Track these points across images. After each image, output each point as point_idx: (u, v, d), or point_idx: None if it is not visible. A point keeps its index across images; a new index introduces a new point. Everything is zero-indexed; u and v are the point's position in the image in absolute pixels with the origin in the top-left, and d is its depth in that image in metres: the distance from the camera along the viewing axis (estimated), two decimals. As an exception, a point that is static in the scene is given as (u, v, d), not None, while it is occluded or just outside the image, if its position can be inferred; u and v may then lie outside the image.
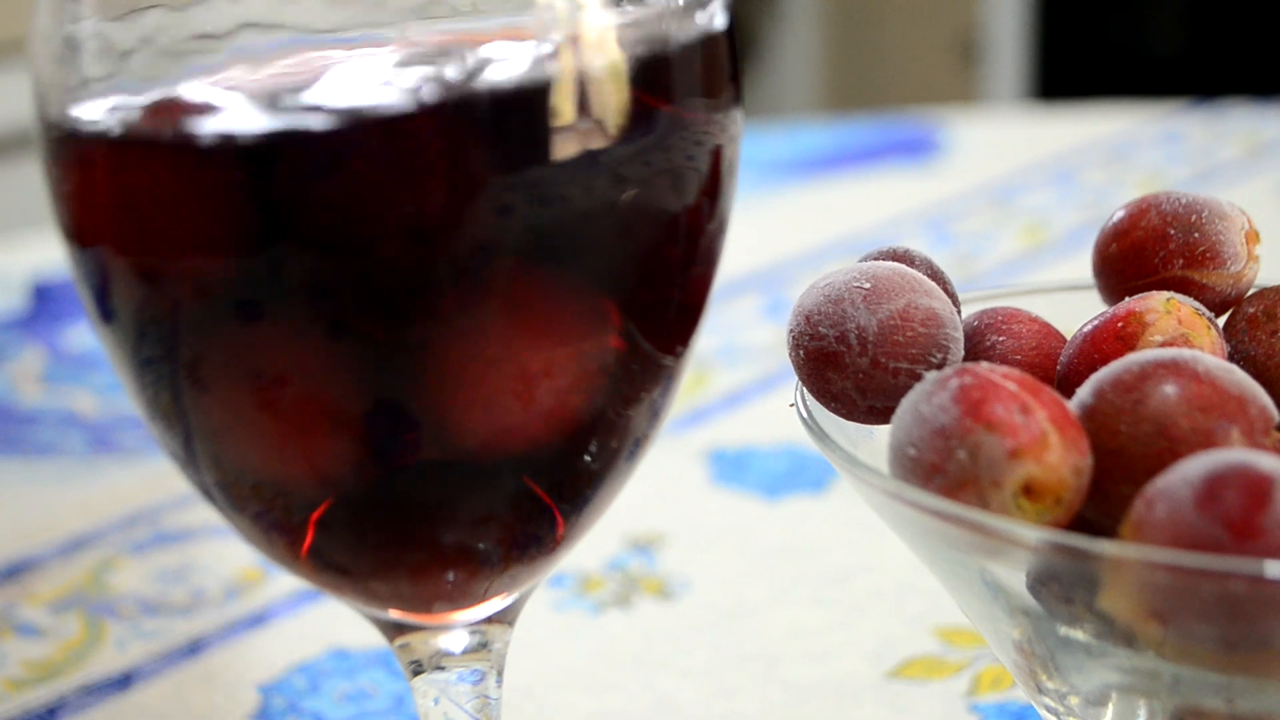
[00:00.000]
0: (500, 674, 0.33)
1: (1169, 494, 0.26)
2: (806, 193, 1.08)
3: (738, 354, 0.77)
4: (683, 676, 0.49)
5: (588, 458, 0.29)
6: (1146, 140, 1.16)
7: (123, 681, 0.51)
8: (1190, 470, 0.26)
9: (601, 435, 0.29)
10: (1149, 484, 0.27)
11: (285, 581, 0.57)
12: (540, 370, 0.28)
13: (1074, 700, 0.33)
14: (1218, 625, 0.26)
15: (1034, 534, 0.27)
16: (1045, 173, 1.08)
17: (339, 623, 0.53)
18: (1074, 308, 0.37)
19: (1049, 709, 0.33)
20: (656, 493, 0.62)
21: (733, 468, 0.64)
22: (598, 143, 0.27)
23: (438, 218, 0.27)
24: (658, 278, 0.29)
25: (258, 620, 0.55)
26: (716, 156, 0.29)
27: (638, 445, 0.31)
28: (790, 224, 1.02)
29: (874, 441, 0.34)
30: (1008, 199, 1.02)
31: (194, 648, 0.53)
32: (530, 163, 0.27)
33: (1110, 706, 0.32)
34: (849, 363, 0.31)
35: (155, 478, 0.67)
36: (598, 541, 0.58)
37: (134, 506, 0.64)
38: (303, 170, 0.26)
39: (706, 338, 0.80)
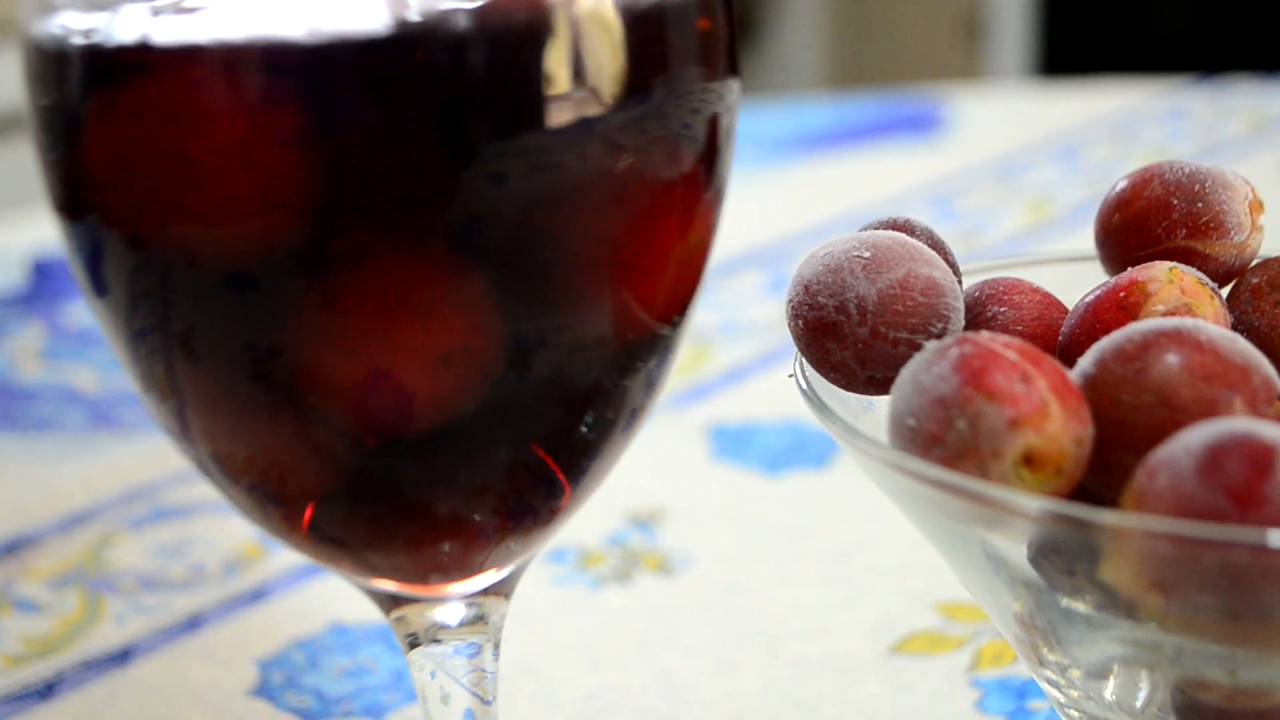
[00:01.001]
0: (497, 647, 0.32)
1: (1171, 463, 0.26)
2: (810, 169, 1.08)
3: (740, 330, 0.77)
4: (683, 653, 0.49)
5: (584, 428, 0.29)
6: (1151, 116, 1.15)
7: (121, 657, 0.51)
8: (1192, 440, 0.26)
9: (598, 406, 0.29)
10: (1151, 453, 0.27)
11: (285, 557, 0.57)
12: (535, 340, 0.27)
13: (1075, 673, 0.33)
14: (1220, 596, 0.26)
15: (1034, 504, 0.27)
16: (1050, 149, 1.08)
17: (339, 598, 0.53)
18: (1077, 279, 0.36)
19: (1050, 682, 0.33)
20: (657, 468, 0.62)
21: (734, 444, 0.64)
22: (593, 109, 0.27)
23: (430, 185, 0.26)
24: (654, 246, 0.28)
25: (257, 596, 0.54)
26: (713, 125, 0.29)
27: (634, 416, 0.30)
28: (793, 200, 1.01)
29: (874, 414, 0.33)
30: (1012, 175, 1.02)
31: (193, 623, 0.53)
32: (524, 129, 0.26)
33: (1112, 679, 0.32)
34: (848, 332, 0.31)
35: (155, 454, 0.66)
36: (598, 517, 0.58)
37: (134, 482, 0.64)
38: (288, 135, 0.26)
39: (708, 314, 0.79)
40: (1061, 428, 0.27)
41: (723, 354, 0.74)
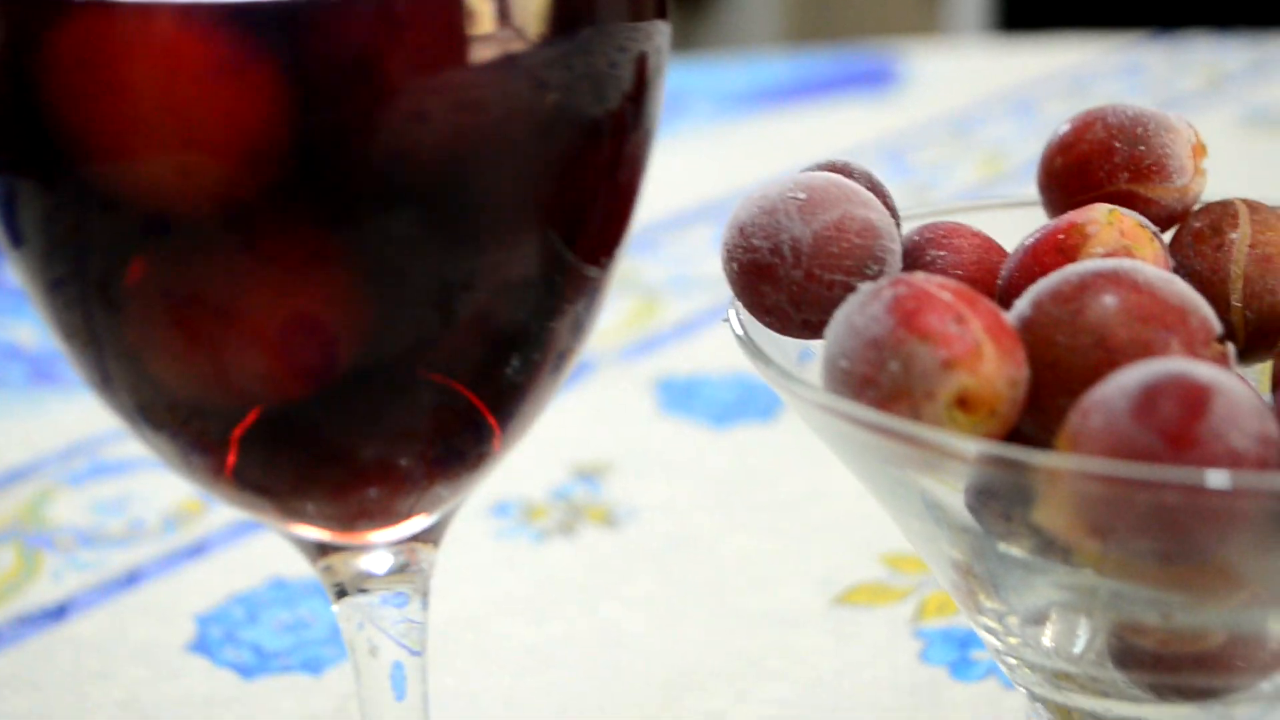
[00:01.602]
0: (426, 597, 0.32)
1: (1105, 404, 0.26)
2: (764, 124, 1.07)
3: (689, 284, 0.76)
4: (627, 605, 0.48)
5: (512, 370, 0.29)
6: (1107, 71, 1.15)
7: (58, 613, 0.50)
8: (1127, 380, 0.26)
9: (526, 348, 0.29)
10: (1085, 395, 0.26)
11: (225, 512, 0.56)
12: (460, 280, 0.27)
13: (1013, 620, 0.32)
14: (1153, 538, 0.26)
15: (966, 445, 0.26)
16: (1004, 104, 1.08)
17: (280, 553, 0.52)
18: (1020, 223, 0.36)
19: (988, 630, 0.33)
20: (604, 421, 0.61)
21: (681, 396, 0.63)
22: (517, 46, 0.26)
23: (352, 124, 0.26)
24: (580, 186, 0.28)
25: (197, 551, 0.54)
26: (641, 65, 0.28)
27: (563, 358, 0.30)
28: (747, 155, 1.01)
29: (816, 363, 0.33)
30: (966, 130, 1.02)
31: (131, 578, 0.52)
32: (447, 66, 0.26)
33: (1049, 625, 0.32)
34: (783, 275, 0.30)
35: (95, 409, 0.65)
36: (543, 470, 0.57)
37: (73, 438, 0.63)
38: (202, 75, 0.25)
39: (659, 267, 0.79)
40: (995, 369, 0.27)
41: (672, 307, 0.73)
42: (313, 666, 0.46)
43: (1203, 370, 0.25)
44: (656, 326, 0.71)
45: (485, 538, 0.53)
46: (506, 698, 0.44)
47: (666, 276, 0.77)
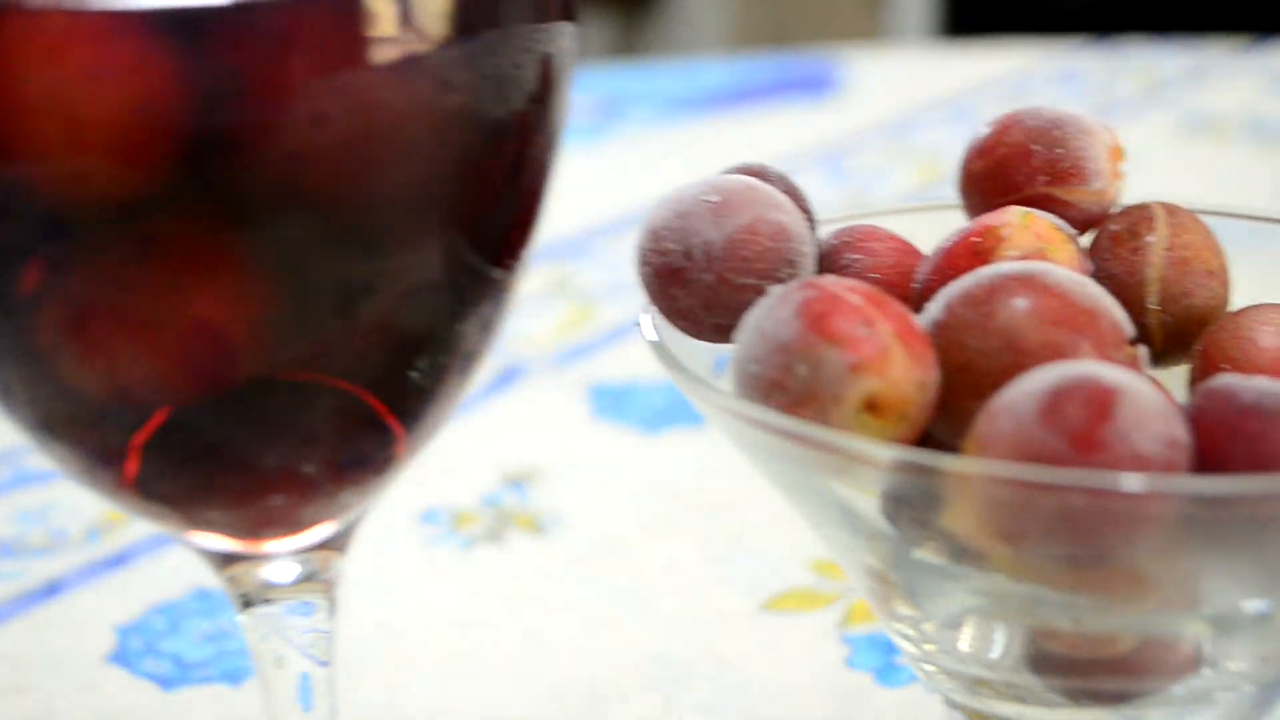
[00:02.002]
0: (334, 606, 0.31)
1: (1012, 408, 0.26)
2: (703, 129, 1.07)
3: (623, 290, 0.76)
4: (552, 613, 0.48)
5: (416, 374, 0.28)
6: (1045, 77, 1.16)
7: (-25, 624, 0.49)
8: (1034, 383, 0.26)
9: (429, 351, 0.28)
10: (993, 398, 0.26)
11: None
12: (361, 284, 0.26)
13: (929, 626, 0.32)
14: (1061, 542, 0.25)
15: (873, 450, 0.26)
16: (943, 109, 1.08)
17: (202, 563, 0.51)
18: (940, 227, 0.36)
19: (904, 636, 0.33)
20: (535, 428, 0.61)
21: (613, 403, 0.63)
22: (418, 47, 0.26)
23: (250, 127, 0.25)
24: (484, 189, 0.27)
25: (119, 561, 0.53)
26: (545, 66, 0.28)
27: (470, 361, 0.29)
28: (685, 160, 1.00)
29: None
30: (904, 135, 1.02)
31: (52, 589, 0.51)
32: (346, 68, 0.25)
33: (965, 631, 0.31)
34: (695, 278, 0.30)
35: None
36: (473, 477, 0.57)
37: (-3, 446, 0.62)
38: (95, 75, 0.24)
39: (594, 273, 0.78)
40: (904, 373, 0.27)
41: (606, 313, 0.73)
42: (233, 677, 0.46)
43: (1110, 373, 0.25)
44: (591, 332, 0.71)
45: (413, 545, 0.52)
46: (431, 706, 0.44)
47: (601, 282, 0.77)
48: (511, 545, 0.52)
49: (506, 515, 0.54)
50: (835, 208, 0.34)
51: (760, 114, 1.09)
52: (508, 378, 0.65)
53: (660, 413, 0.62)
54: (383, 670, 0.45)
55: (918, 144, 1.00)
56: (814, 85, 1.16)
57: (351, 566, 0.49)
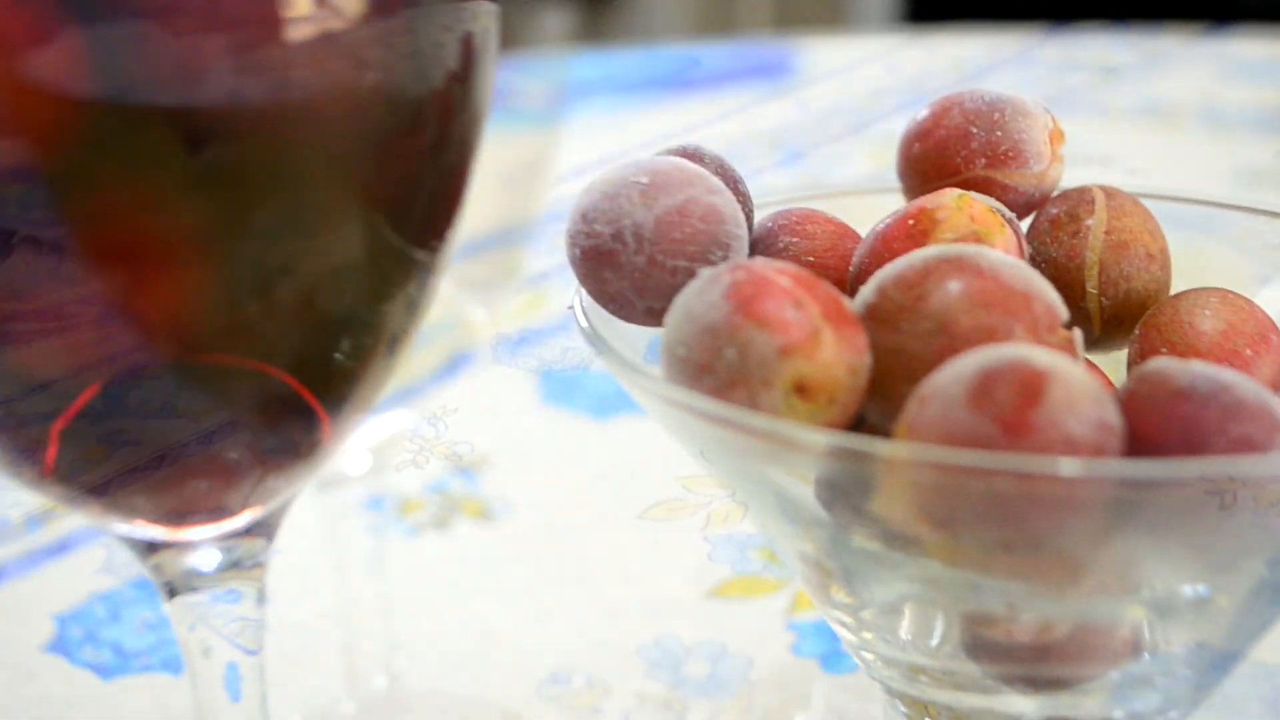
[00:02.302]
0: (262, 593, 0.31)
1: (942, 391, 0.25)
2: (661, 115, 1.07)
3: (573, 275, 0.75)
4: (499, 599, 0.47)
5: (339, 357, 0.28)
6: (1001, 64, 1.15)
7: (-89, 615, 0.49)
8: (964, 367, 0.25)
9: (352, 333, 0.28)
10: (924, 382, 0.26)
11: (89, 509, 0.54)
12: (280, 265, 0.26)
13: (867, 614, 0.32)
14: (992, 527, 0.25)
15: (802, 434, 0.26)
16: (900, 96, 1.08)
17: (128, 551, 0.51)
18: (879, 210, 0.35)
19: (842, 624, 0.32)
20: (484, 415, 0.60)
21: (563, 389, 0.62)
22: (334, 24, 0.25)
23: (162, 104, 0.24)
24: (404, 168, 0.27)
25: (60, 549, 0.52)
26: (466, 45, 0.27)
27: (395, 342, 0.29)
28: (643, 146, 1.00)
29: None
30: (860, 122, 1.01)
31: (-10, 578, 0.51)
32: (261, 45, 0.25)
33: (903, 618, 0.31)
34: (625, 261, 0.30)
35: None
36: (419, 463, 0.56)
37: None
38: (7, 52, 0.24)
39: (544, 259, 0.78)
40: (834, 356, 0.26)
41: (556, 299, 0.73)
42: (173, 666, 0.45)
43: (1040, 356, 0.25)
44: (540, 318, 0.70)
45: (357, 532, 0.52)
46: (372, 694, 0.43)
47: (550, 267, 0.77)
48: (458, 532, 0.52)
49: (454, 502, 0.53)
50: (794, 193, 0.33)
51: (717, 99, 1.09)
52: (457, 363, 0.64)
53: (609, 399, 0.61)
54: (325, 658, 0.45)
55: (874, 130, 0.99)
56: (772, 72, 1.15)
57: (295, 555, 0.49)
